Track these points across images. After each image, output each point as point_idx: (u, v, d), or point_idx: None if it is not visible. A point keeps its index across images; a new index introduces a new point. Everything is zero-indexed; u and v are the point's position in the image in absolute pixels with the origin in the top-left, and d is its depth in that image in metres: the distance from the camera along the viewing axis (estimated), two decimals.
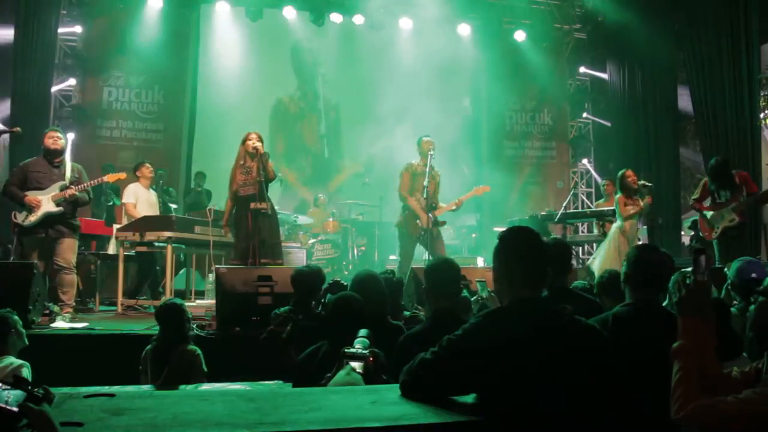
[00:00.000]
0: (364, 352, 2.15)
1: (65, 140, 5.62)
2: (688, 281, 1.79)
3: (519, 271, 1.93)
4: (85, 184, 5.47)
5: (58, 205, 5.29)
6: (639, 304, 2.38)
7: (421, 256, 6.97)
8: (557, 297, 2.58)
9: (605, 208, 8.07)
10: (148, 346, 3.69)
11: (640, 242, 6.94)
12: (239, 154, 5.79)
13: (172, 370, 3.47)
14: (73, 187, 5.35)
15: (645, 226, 8.41)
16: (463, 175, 9.77)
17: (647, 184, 6.74)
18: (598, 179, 10.82)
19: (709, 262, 1.86)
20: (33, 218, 5.23)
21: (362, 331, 2.31)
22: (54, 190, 5.33)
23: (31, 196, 5.25)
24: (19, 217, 5.26)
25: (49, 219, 5.27)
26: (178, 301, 3.86)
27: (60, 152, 5.48)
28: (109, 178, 5.76)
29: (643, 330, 2.25)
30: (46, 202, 5.26)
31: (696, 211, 6.83)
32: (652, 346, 2.04)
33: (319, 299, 3.71)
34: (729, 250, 6.26)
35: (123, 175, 6.03)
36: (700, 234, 6.86)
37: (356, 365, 2.12)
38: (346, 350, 2.17)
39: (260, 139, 5.80)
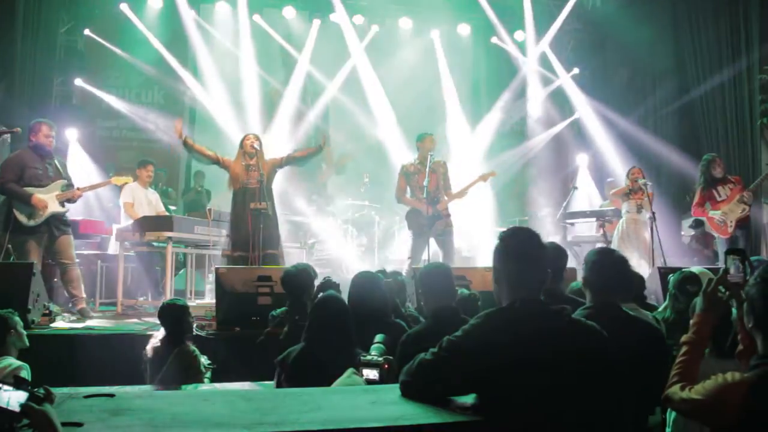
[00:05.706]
0: (378, 359, 2.17)
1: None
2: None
3: (519, 272, 1.93)
4: (92, 185, 5.42)
5: (62, 204, 5.26)
6: (598, 307, 2.41)
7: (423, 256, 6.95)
8: (550, 301, 2.60)
9: (606, 209, 8.06)
10: (148, 346, 3.69)
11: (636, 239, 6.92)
12: (238, 155, 5.86)
13: (170, 370, 3.47)
14: (80, 188, 5.30)
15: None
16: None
17: (648, 183, 6.74)
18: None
19: (746, 262, 1.86)
20: (38, 219, 5.17)
21: (378, 337, 2.32)
22: (55, 189, 5.27)
23: (38, 196, 5.15)
24: (22, 218, 5.11)
25: (50, 218, 5.24)
26: (181, 301, 3.87)
27: (51, 152, 5.40)
28: (116, 180, 5.71)
29: None
30: (51, 202, 5.21)
31: (701, 215, 6.75)
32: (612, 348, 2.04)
33: (313, 298, 3.71)
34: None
35: (129, 180, 6.02)
36: (715, 235, 6.63)
37: (371, 372, 2.13)
38: (362, 358, 2.19)
39: (258, 139, 5.89)
